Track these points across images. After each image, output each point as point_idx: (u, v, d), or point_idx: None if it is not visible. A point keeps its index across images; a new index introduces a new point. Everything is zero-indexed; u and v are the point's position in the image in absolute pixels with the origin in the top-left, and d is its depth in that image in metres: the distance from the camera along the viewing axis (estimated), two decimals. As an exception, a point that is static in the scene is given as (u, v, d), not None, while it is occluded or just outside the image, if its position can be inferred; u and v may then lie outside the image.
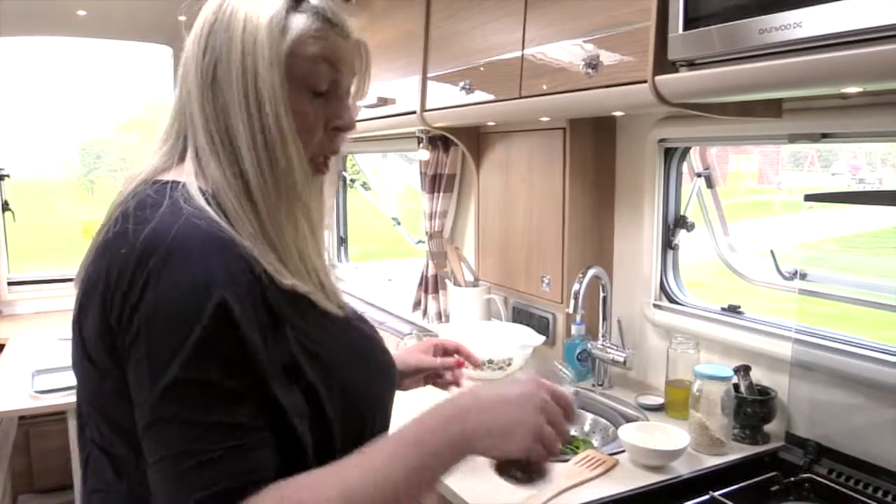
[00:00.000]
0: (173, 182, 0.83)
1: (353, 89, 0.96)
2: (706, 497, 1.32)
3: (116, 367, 0.77)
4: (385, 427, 0.94)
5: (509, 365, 2.03)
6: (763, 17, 1.03)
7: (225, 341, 0.73)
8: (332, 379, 0.83)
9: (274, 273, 0.79)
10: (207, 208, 0.79)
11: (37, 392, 2.24)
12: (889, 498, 1.32)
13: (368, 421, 0.89)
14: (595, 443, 1.77)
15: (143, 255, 0.74)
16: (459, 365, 1.29)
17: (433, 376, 1.30)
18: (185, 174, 0.84)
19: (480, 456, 0.80)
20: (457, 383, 1.28)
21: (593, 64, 1.42)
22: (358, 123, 2.70)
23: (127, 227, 0.77)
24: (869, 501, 1.32)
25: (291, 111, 0.84)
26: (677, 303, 1.90)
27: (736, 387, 1.57)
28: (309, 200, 0.86)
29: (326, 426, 0.82)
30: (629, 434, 1.50)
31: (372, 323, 1.03)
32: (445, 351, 1.30)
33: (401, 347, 2.61)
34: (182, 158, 0.87)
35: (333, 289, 0.90)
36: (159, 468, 0.72)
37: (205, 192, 0.81)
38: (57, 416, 2.73)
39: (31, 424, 3.09)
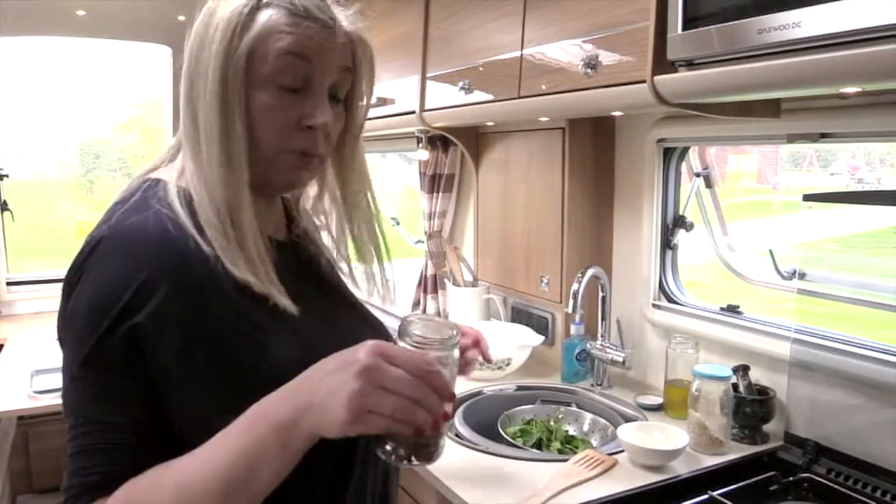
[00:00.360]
0: (154, 180, 0.85)
1: (362, 88, 0.99)
2: (705, 497, 1.32)
3: None
4: (344, 441, 0.82)
5: (508, 364, 2.03)
6: (762, 17, 1.03)
7: (116, 356, 0.75)
8: (279, 374, 0.74)
9: (230, 267, 0.79)
10: (178, 207, 0.80)
11: (35, 392, 2.24)
12: (888, 497, 1.32)
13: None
14: (594, 442, 1.77)
15: (88, 247, 0.78)
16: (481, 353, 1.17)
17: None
18: (170, 171, 0.87)
19: (313, 437, 0.70)
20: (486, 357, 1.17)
21: (592, 64, 1.42)
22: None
23: (102, 221, 0.81)
24: (868, 501, 1.32)
25: (257, 108, 0.82)
26: (676, 303, 1.90)
27: (735, 386, 1.57)
28: (235, 204, 0.82)
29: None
30: (628, 434, 1.50)
31: (368, 321, 1.02)
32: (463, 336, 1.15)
33: (400, 347, 2.61)
34: (174, 158, 0.89)
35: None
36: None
37: (181, 190, 0.83)
38: (56, 416, 2.72)
39: (30, 424, 3.09)
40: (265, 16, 0.82)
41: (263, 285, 0.81)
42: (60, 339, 0.80)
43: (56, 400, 2.22)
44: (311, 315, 0.86)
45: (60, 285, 0.82)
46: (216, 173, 0.81)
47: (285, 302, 0.82)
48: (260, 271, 0.82)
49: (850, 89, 1.17)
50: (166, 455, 0.75)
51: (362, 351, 0.69)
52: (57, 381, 2.39)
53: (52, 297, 3.51)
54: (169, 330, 0.76)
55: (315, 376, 0.71)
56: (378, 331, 0.99)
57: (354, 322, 1.00)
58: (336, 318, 0.96)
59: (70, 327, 0.78)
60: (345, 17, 0.90)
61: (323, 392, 0.68)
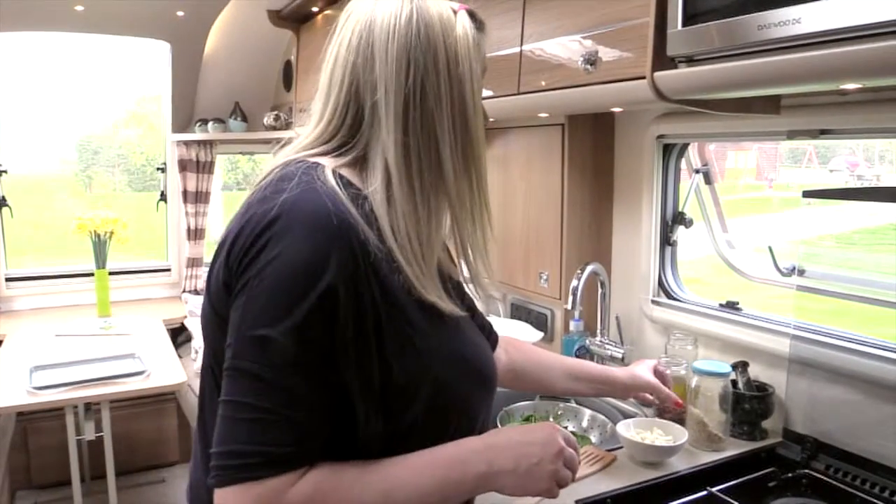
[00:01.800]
0: (316, 164, 0.88)
1: None
2: (704, 493, 1.32)
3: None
4: (469, 431, 0.95)
5: (507, 361, 2.03)
6: (762, 13, 1.03)
7: (318, 328, 0.77)
8: (427, 371, 0.87)
9: (420, 289, 0.86)
10: (338, 190, 0.83)
11: (35, 388, 2.24)
12: (886, 493, 1.32)
13: (453, 421, 0.92)
14: (593, 439, 1.77)
15: (271, 219, 0.79)
16: (679, 406, 1.47)
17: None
18: (331, 161, 0.89)
19: (498, 492, 0.89)
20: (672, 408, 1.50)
21: (592, 60, 1.42)
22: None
23: (265, 195, 0.83)
24: (866, 497, 1.32)
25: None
26: (675, 299, 1.90)
27: (734, 383, 1.57)
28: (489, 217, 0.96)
29: (410, 416, 0.86)
30: (627, 430, 1.50)
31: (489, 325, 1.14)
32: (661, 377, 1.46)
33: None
34: (339, 154, 0.91)
35: (455, 290, 0.98)
36: (223, 407, 0.79)
37: (343, 178, 0.86)
38: (55, 412, 2.73)
39: (29, 421, 3.09)
40: (482, 41, 0.96)
41: (444, 303, 0.90)
42: (238, 301, 0.80)
43: (55, 396, 2.22)
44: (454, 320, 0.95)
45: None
46: (486, 189, 0.96)
47: (452, 307, 0.91)
48: (439, 289, 0.90)
49: (850, 86, 1.17)
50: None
51: (558, 436, 0.91)
52: (56, 377, 2.40)
53: (52, 293, 3.51)
54: (357, 294, 0.80)
55: (515, 447, 0.89)
56: (488, 338, 1.12)
57: (475, 328, 1.10)
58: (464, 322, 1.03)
59: (268, 292, 0.78)
60: None
61: (528, 463, 0.88)
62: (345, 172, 0.89)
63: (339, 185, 0.84)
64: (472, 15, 0.94)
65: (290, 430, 0.77)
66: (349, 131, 0.91)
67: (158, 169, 3.80)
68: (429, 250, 0.89)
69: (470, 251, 0.96)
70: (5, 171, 3.37)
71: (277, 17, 3.30)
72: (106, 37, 3.46)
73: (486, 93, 1.82)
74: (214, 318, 0.87)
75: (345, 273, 0.79)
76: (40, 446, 3.13)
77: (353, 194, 0.85)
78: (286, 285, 0.77)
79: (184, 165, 3.54)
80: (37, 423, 3.10)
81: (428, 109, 0.87)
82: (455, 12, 0.91)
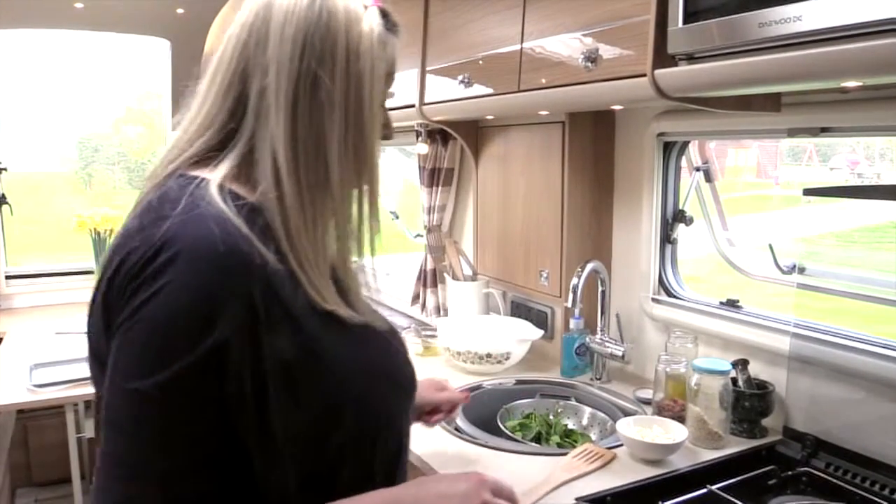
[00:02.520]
0: (200, 179, 0.79)
1: None
2: (704, 490, 1.32)
3: None
4: (399, 444, 0.91)
5: (507, 359, 2.03)
6: (762, 10, 1.03)
7: (203, 383, 0.70)
8: (347, 394, 0.81)
9: (308, 290, 0.78)
10: (226, 210, 0.75)
11: (34, 386, 2.24)
12: (886, 491, 1.32)
13: (382, 434, 0.86)
14: (593, 436, 1.77)
15: (151, 255, 0.71)
16: (466, 399, 1.36)
17: (431, 413, 1.32)
18: (215, 172, 0.80)
19: None
20: (452, 416, 1.37)
21: (592, 58, 1.42)
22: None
23: (143, 222, 0.75)
24: (866, 495, 1.32)
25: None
26: (676, 297, 1.90)
27: (734, 381, 1.57)
28: (377, 207, 0.89)
29: (334, 447, 0.80)
30: (627, 428, 1.51)
31: (395, 328, 1.00)
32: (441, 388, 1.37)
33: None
34: (222, 156, 0.82)
35: (359, 297, 0.89)
36: (100, 458, 0.73)
37: (230, 193, 0.78)
38: (55, 409, 2.73)
39: (29, 418, 3.09)
40: (392, 41, 0.89)
41: (343, 310, 0.83)
42: (116, 345, 0.72)
43: (55, 393, 2.22)
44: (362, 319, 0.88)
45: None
46: (377, 187, 0.88)
47: (352, 315, 0.84)
48: (336, 296, 0.83)
49: (851, 83, 1.17)
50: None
51: (483, 490, 0.84)
52: (56, 374, 2.40)
53: (51, 290, 3.51)
54: (255, 343, 0.73)
55: (436, 498, 0.83)
56: (394, 331, 0.99)
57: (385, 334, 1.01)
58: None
59: (144, 340, 0.70)
60: None
61: None
62: (233, 185, 0.80)
63: (226, 203, 0.76)
64: (384, 14, 0.88)
65: (163, 488, 0.70)
66: (230, 117, 0.82)
67: (159, 166, 3.79)
68: (322, 255, 0.81)
69: (348, 265, 0.88)
70: (5, 169, 3.37)
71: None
72: (106, 34, 3.46)
73: (487, 90, 1.82)
74: (94, 364, 0.79)
75: (238, 322, 0.71)
76: (40, 444, 3.13)
77: (244, 209, 0.77)
78: (165, 333, 0.69)
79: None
80: (37, 420, 3.10)
81: (318, 102, 0.80)
82: (366, 7, 0.85)
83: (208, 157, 0.83)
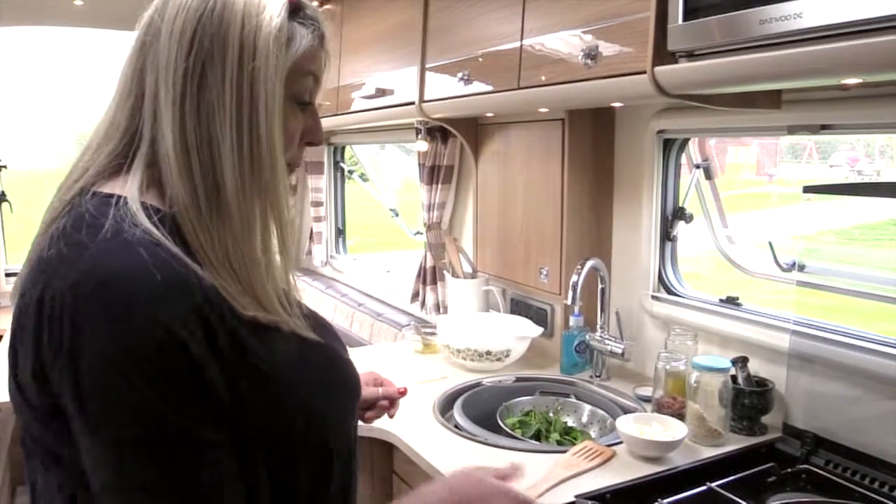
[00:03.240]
0: (117, 197, 0.73)
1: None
2: (703, 488, 1.32)
3: (55, 409, 0.69)
4: (349, 447, 0.88)
5: (507, 356, 2.04)
6: (763, 7, 1.03)
7: (179, 377, 0.67)
8: (292, 410, 0.77)
9: (234, 304, 0.72)
10: (156, 232, 0.70)
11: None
12: (886, 489, 1.32)
13: (332, 443, 0.83)
14: (593, 434, 1.77)
15: (80, 292, 0.65)
16: (402, 393, 1.23)
17: (367, 408, 1.20)
18: (130, 185, 0.74)
19: None
20: (391, 413, 1.22)
21: (592, 55, 1.42)
22: (356, 115, 2.70)
23: (62, 252, 0.69)
24: (865, 492, 1.32)
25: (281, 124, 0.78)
26: (675, 294, 1.90)
27: (734, 378, 1.57)
28: (289, 216, 0.79)
29: (291, 456, 0.78)
30: (627, 425, 1.51)
31: (332, 326, 0.95)
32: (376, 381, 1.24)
33: (399, 339, 2.62)
34: (130, 164, 0.76)
35: (295, 304, 0.83)
36: None
37: (150, 209, 0.72)
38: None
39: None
40: (301, 34, 0.79)
41: (282, 318, 0.78)
42: (75, 406, 0.66)
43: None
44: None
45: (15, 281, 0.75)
46: (281, 195, 0.77)
47: (293, 326, 0.79)
48: (279, 304, 0.78)
49: (851, 80, 1.16)
50: None
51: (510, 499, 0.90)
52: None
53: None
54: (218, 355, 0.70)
55: None
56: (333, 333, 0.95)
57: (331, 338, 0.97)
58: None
59: (102, 392, 0.65)
60: (328, 30, 0.87)
61: None
62: (148, 196, 0.74)
63: (151, 221, 0.71)
64: (296, 7, 0.79)
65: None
66: (131, 121, 0.77)
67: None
68: (250, 264, 0.75)
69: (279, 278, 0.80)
70: (5, 167, 3.37)
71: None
72: (105, 31, 3.45)
73: (486, 88, 1.82)
74: (26, 409, 0.73)
75: (199, 340, 0.67)
76: (40, 441, 3.13)
77: (165, 222, 0.72)
78: (115, 377, 0.65)
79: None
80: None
81: (206, 103, 0.73)
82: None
83: (117, 165, 0.77)
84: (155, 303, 0.66)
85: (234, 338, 0.71)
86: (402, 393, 1.24)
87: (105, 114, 0.80)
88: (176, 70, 0.73)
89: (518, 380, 2.01)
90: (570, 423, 1.83)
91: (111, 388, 0.65)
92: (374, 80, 2.41)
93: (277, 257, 0.79)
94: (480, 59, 1.84)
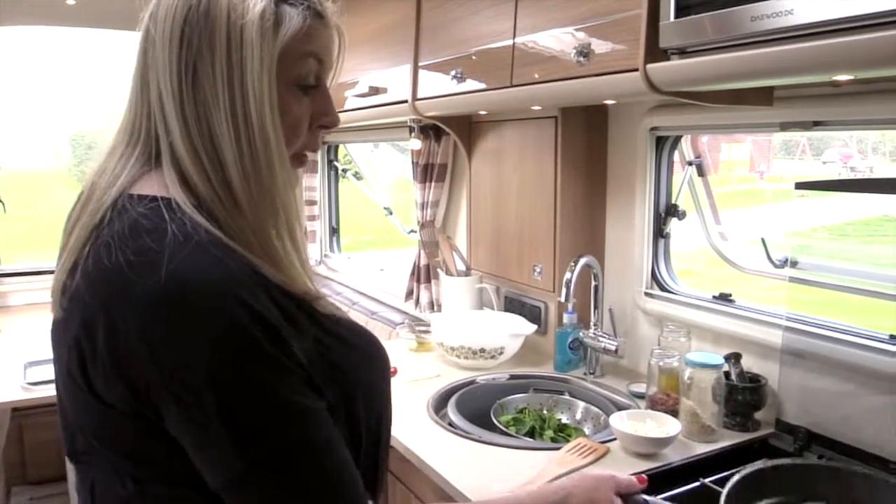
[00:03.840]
0: (163, 199, 0.74)
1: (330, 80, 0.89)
2: (697, 484, 1.33)
3: (140, 413, 0.70)
4: (390, 421, 0.91)
5: (501, 353, 2.04)
6: (754, 4, 1.03)
7: (279, 356, 0.70)
8: (352, 384, 0.80)
9: (283, 284, 0.74)
10: (216, 231, 0.72)
11: (29, 384, 2.23)
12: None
13: (384, 420, 0.88)
14: (586, 430, 1.78)
15: (170, 299, 0.67)
16: (392, 373, 1.27)
17: None
18: (170, 186, 0.75)
19: None
20: None
21: (585, 52, 1.42)
22: (349, 113, 2.68)
23: (131, 259, 0.69)
24: (858, 487, 1.33)
25: (279, 111, 0.77)
26: (668, 291, 1.90)
27: (727, 374, 1.58)
28: (290, 210, 0.79)
29: (357, 432, 0.82)
30: (620, 422, 1.51)
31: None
32: None
33: (393, 337, 2.62)
34: (157, 163, 0.77)
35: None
36: None
37: (199, 209, 0.74)
38: (50, 407, 2.72)
39: (24, 416, 3.08)
40: (291, 15, 0.78)
41: (319, 292, 0.81)
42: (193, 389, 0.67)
43: (50, 391, 2.22)
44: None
45: (53, 286, 0.75)
46: (280, 188, 0.78)
47: (332, 306, 0.82)
48: (313, 281, 0.81)
49: (843, 77, 1.17)
50: None
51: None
52: (50, 372, 2.39)
53: (46, 288, 3.48)
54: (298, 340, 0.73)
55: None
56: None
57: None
58: None
59: (214, 394, 0.67)
60: (331, 7, 0.86)
61: None
62: (188, 196, 0.75)
63: (206, 220, 0.72)
64: None
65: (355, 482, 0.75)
66: (147, 124, 0.78)
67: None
68: (273, 251, 0.77)
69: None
70: (-1, 167, 3.36)
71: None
72: (98, 31, 3.44)
73: (479, 85, 1.82)
74: (98, 406, 0.72)
75: (280, 325, 0.70)
76: (35, 442, 3.12)
77: (210, 220, 0.74)
78: (231, 379, 0.67)
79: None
80: (32, 418, 3.09)
81: (203, 100, 0.74)
82: None
83: (146, 167, 0.78)
84: (242, 295, 0.68)
85: (301, 319, 0.74)
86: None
87: (124, 118, 0.81)
88: (171, 71, 0.75)
89: (512, 377, 2.01)
90: (564, 421, 1.83)
91: (229, 385, 0.67)
92: (368, 78, 2.41)
93: (290, 240, 0.79)
94: (473, 57, 1.84)
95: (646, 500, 1.02)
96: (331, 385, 0.76)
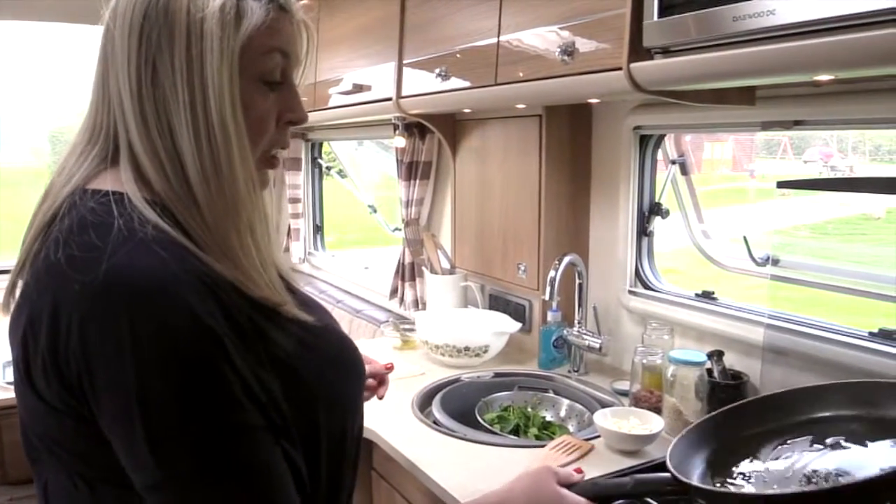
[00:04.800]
0: (115, 193, 0.72)
1: (299, 76, 0.86)
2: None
3: (78, 412, 0.68)
4: (360, 427, 0.89)
5: (485, 352, 2.04)
6: (737, 4, 1.04)
7: (218, 366, 0.66)
8: (313, 395, 0.78)
9: (241, 287, 0.72)
10: (166, 227, 0.70)
11: (7, 383, 2.21)
12: (858, 479, 1.34)
13: (350, 434, 0.85)
14: (571, 428, 1.78)
15: (106, 295, 0.65)
16: (389, 369, 1.23)
17: None
18: (124, 182, 0.73)
19: None
20: (380, 394, 1.23)
21: (569, 51, 1.42)
22: (333, 110, 2.67)
23: (73, 255, 0.68)
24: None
25: (243, 107, 0.75)
26: (652, 289, 1.91)
27: (709, 372, 1.59)
28: (252, 210, 0.76)
29: (316, 440, 0.78)
30: (604, 419, 1.52)
31: (314, 301, 0.93)
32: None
33: (377, 335, 2.61)
34: (115, 161, 0.76)
35: (292, 290, 0.84)
36: None
37: (152, 204, 0.72)
38: (29, 406, 2.70)
39: (3, 416, 3.05)
40: (253, 8, 0.76)
41: (281, 297, 0.78)
42: (141, 400, 0.64)
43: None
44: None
45: (6, 284, 0.74)
46: (241, 185, 0.74)
47: (295, 311, 0.79)
48: (277, 284, 0.78)
49: (824, 77, 1.18)
50: None
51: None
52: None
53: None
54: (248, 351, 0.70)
55: None
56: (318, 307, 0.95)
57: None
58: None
59: (144, 396, 0.64)
60: (295, 3, 0.84)
61: None
62: (144, 191, 0.73)
63: (157, 215, 0.70)
64: None
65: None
66: (106, 121, 0.77)
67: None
68: (233, 249, 0.74)
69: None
70: (-25, 164, 3.32)
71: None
72: (68, 26, 3.41)
73: (464, 83, 1.82)
74: (42, 407, 0.71)
75: (227, 334, 0.68)
76: (15, 442, 3.09)
77: (164, 216, 0.72)
78: (161, 374, 0.65)
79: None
80: (10, 418, 3.05)
81: (161, 95, 0.72)
82: None
83: (103, 164, 0.77)
84: (182, 299, 0.66)
85: (254, 324, 0.72)
86: (389, 368, 1.24)
87: (86, 115, 0.80)
88: (130, 67, 0.73)
89: (496, 375, 2.01)
90: (549, 418, 1.84)
91: (155, 387, 0.64)
92: (352, 75, 2.40)
93: (251, 241, 0.76)
94: (458, 56, 1.84)
95: (593, 482, 1.02)
96: (286, 398, 0.73)
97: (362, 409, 0.90)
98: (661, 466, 1.41)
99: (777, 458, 0.96)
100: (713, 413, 1.11)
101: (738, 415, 1.06)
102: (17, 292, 0.74)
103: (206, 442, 0.66)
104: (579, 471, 1.05)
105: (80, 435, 0.70)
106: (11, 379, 2.21)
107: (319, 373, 0.79)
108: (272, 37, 0.78)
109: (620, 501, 1.02)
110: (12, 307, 0.75)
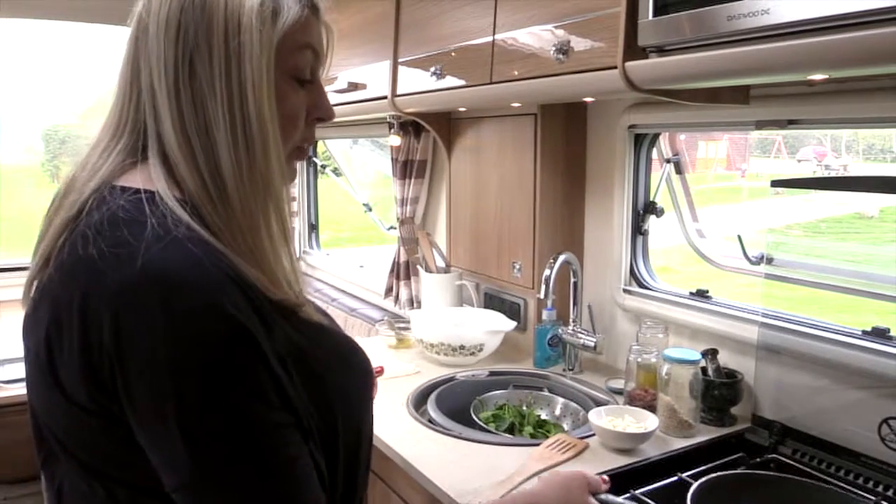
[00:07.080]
0: (146, 192, 0.72)
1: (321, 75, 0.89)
2: (674, 478, 1.34)
3: (107, 410, 0.68)
4: (371, 429, 0.89)
5: (480, 350, 2.04)
6: (731, 3, 1.04)
7: (252, 366, 0.67)
8: (331, 397, 0.78)
9: (263, 288, 0.71)
10: (196, 227, 0.70)
11: (2, 382, 2.20)
12: (851, 476, 1.35)
13: (363, 436, 0.85)
14: (565, 426, 1.79)
15: (141, 292, 0.65)
16: (379, 372, 1.26)
17: None
18: (155, 180, 0.73)
19: None
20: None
21: (564, 50, 1.42)
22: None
23: (104, 251, 0.67)
24: (831, 479, 1.35)
25: (277, 100, 0.76)
26: (647, 288, 1.92)
27: (704, 370, 1.59)
28: (284, 203, 0.78)
29: (334, 441, 0.78)
30: (599, 418, 1.52)
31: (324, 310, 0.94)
32: None
33: (372, 334, 2.61)
34: (144, 158, 0.76)
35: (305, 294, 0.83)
36: None
37: (182, 203, 0.72)
38: (24, 406, 2.68)
39: (-3, 415, 3.04)
40: (289, 4, 0.77)
41: (301, 298, 0.78)
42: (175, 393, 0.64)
43: (22, 390, 2.19)
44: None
45: (24, 274, 0.74)
46: (275, 179, 0.75)
47: (312, 313, 0.79)
48: (298, 285, 0.78)
49: (818, 76, 1.18)
50: None
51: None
52: (23, 370, 2.37)
53: (18, 285, 3.45)
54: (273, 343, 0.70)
55: None
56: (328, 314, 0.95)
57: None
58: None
59: (178, 395, 0.64)
60: (323, 4, 0.86)
61: None
62: (173, 189, 0.73)
63: (189, 215, 0.70)
64: None
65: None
66: (136, 115, 0.77)
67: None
68: (260, 250, 0.75)
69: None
70: (-31, 162, 3.30)
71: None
72: (72, 24, 3.39)
73: (459, 82, 1.82)
74: (67, 406, 0.70)
75: (258, 330, 0.68)
76: (9, 441, 3.07)
77: (194, 216, 0.71)
78: (196, 374, 0.64)
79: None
80: (5, 417, 3.04)
81: (199, 89, 0.73)
82: None
83: (131, 160, 0.77)
84: (218, 297, 0.66)
85: (278, 324, 0.72)
86: (379, 372, 1.24)
87: (111, 112, 0.80)
88: (167, 62, 0.73)
89: (491, 374, 2.01)
90: (544, 417, 1.84)
91: (190, 385, 0.64)
92: (347, 74, 2.40)
93: (280, 238, 0.77)
94: (453, 54, 1.84)
95: (614, 500, 1.04)
96: (307, 398, 0.73)
97: (373, 410, 0.90)
98: (656, 465, 1.42)
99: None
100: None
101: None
102: (40, 288, 0.73)
103: (241, 440, 0.66)
104: (605, 481, 1.08)
105: (105, 435, 0.69)
106: (5, 378, 2.21)
107: (334, 373, 0.80)
108: (305, 34, 0.79)
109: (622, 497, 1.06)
110: (32, 303, 0.74)
